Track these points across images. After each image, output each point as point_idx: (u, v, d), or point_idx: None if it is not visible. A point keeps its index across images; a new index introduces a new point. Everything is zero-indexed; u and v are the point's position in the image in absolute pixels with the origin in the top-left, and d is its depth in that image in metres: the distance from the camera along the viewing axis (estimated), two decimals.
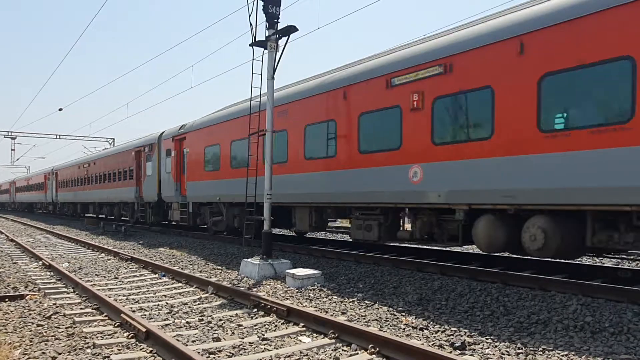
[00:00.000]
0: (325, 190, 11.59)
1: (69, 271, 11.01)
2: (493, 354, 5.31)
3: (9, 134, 47.43)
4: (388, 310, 7.28)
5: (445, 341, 5.75)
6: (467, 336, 5.94)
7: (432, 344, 5.66)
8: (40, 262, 12.80)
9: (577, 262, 11.33)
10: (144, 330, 5.96)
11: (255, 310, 7.47)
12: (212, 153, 16.69)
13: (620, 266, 10.27)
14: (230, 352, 5.51)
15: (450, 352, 5.38)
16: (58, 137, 49.45)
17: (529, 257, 10.22)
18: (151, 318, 7.07)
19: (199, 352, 5.39)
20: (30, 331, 6.40)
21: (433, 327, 6.36)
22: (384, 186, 10.03)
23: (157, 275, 10.83)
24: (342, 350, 5.62)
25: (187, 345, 5.72)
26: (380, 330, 6.19)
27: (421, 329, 6.30)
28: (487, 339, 5.82)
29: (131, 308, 7.62)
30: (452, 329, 6.26)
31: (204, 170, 17.20)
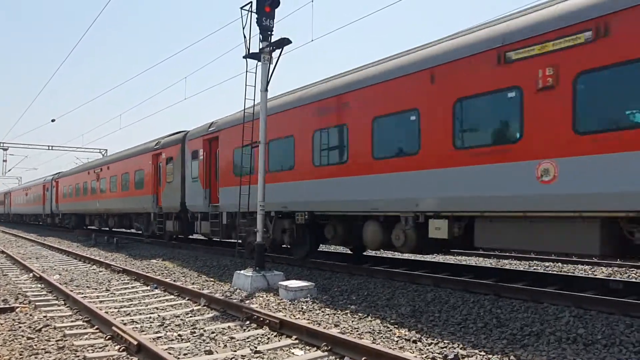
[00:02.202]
0: None
1: (60, 283, 10.92)
2: None
3: (1, 145, 47.19)
4: (381, 322, 7.26)
5: (439, 354, 5.73)
6: (461, 348, 5.93)
7: (426, 357, 5.65)
8: (31, 274, 12.69)
9: (570, 273, 11.38)
10: (135, 343, 5.92)
11: (247, 322, 7.42)
12: None
13: (612, 278, 10.30)
14: None
15: None
16: (50, 148, 49.16)
17: (521, 270, 10.25)
18: (143, 331, 7.02)
19: None
20: (20, 344, 6.33)
21: (426, 340, 6.34)
22: None
23: (149, 288, 10.76)
24: None
25: (178, 358, 5.68)
26: (373, 342, 6.16)
27: (414, 342, 6.28)
28: (480, 351, 5.81)
29: (122, 320, 7.56)
30: (445, 341, 6.25)
31: None
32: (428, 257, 15.20)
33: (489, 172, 8.04)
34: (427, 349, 5.95)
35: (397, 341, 6.32)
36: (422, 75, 9.17)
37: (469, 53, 8.38)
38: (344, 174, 10.86)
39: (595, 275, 11.40)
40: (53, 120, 42.59)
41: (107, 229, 29.58)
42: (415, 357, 5.54)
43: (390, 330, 6.85)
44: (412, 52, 9.81)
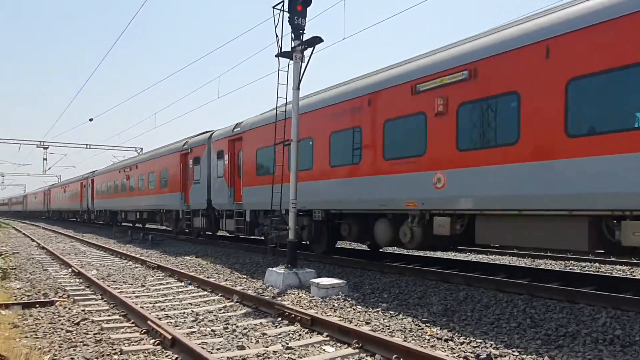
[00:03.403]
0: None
1: (98, 278, 11.21)
2: None
3: (42, 143, 48.59)
4: (412, 321, 7.23)
5: (471, 353, 5.68)
6: (493, 348, 5.86)
7: (457, 356, 5.60)
8: (70, 269, 13.05)
9: (607, 274, 11.10)
10: (169, 337, 6.04)
11: (279, 319, 7.49)
12: None
13: None
14: None
15: None
16: (88, 146, 50.43)
17: (556, 269, 10.05)
18: (177, 326, 7.15)
19: None
20: (60, 337, 6.53)
21: (458, 339, 6.29)
22: None
23: (183, 284, 10.95)
24: None
25: (212, 353, 5.77)
26: (404, 340, 6.14)
27: (446, 340, 6.23)
28: (513, 351, 5.73)
29: (157, 315, 7.72)
30: (477, 340, 6.18)
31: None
32: (461, 256, 15.05)
33: None
34: (459, 348, 5.90)
35: (428, 340, 6.28)
36: None
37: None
38: None
39: (634, 275, 11.09)
40: (91, 120, 43.54)
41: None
42: (447, 356, 5.50)
43: (422, 328, 6.82)
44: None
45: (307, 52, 11.05)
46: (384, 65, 11.78)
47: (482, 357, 5.45)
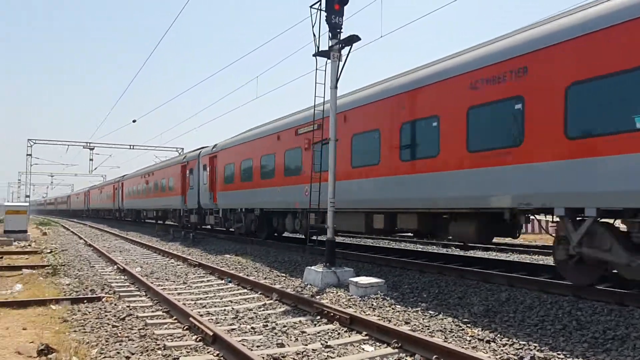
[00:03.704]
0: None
1: (142, 275, 11.49)
2: None
3: (88, 144, 50.13)
4: (453, 321, 7.13)
5: (514, 355, 5.56)
6: (537, 350, 5.72)
7: (500, 358, 5.50)
8: (115, 266, 13.43)
9: None
10: (211, 334, 6.14)
11: (318, 317, 7.51)
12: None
13: None
14: (293, 358, 5.57)
15: None
16: (132, 147, 51.76)
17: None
18: (218, 322, 7.27)
19: (263, 357, 5.49)
20: (106, 331, 6.73)
21: (500, 340, 6.17)
22: None
23: (223, 281, 11.11)
24: None
25: (252, 350, 5.84)
26: (445, 341, 6.07)
27: (488, 342, 6.13)
28: (558, 354, 5.58)
29: (199, 312, 7.86)
30: (520, 342, 6.05)
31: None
32: (502, 256, 14.76)
33: None
34: (502, 350, 5.79)
35: (469, 341, 6.19)
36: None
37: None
38: None
39: None
40: (134, 121, 44.55)
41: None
42: (489, 357, 5.41)
43: (463, 329, 6.72)
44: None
45: (344, 51, 11.04)
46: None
47: (525, 359, 5.34)
